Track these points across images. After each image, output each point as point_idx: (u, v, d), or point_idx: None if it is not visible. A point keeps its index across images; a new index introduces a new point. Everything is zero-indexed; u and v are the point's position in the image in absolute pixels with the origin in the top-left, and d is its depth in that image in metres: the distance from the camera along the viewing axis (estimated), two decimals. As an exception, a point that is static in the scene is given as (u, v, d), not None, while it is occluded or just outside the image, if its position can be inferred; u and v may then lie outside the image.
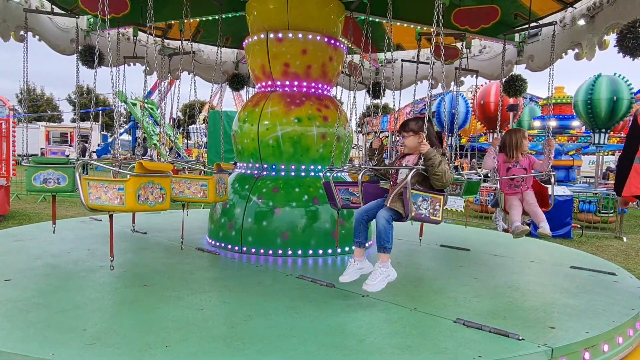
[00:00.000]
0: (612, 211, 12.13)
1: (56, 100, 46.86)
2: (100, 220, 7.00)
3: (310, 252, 5.09)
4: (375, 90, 9.10)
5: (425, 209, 3.31)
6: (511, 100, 15.14)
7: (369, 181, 4.84)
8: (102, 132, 26.88)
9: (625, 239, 11.23)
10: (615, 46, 4.68)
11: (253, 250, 5.11)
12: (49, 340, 2.65)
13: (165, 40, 8.81)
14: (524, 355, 2.63)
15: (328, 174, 4.63)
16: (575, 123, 16.46)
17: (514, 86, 7.45)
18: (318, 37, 5.43)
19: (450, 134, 19.43)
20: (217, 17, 7.04)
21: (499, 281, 4.27)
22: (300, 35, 5.37)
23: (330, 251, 5.16)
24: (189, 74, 9.08)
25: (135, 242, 5.55)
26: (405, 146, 3.60)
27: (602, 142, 14.04)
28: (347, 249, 5.25)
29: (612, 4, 5.46)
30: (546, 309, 3.44)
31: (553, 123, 16.14)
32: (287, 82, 5.55)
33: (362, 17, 7.58)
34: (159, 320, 3.03)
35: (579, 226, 11.44)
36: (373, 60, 9.12)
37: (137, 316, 3.10)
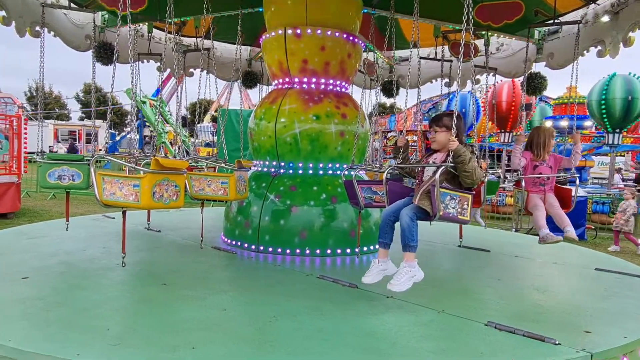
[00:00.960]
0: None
1: (64, 99, 47.06)
2: (113, 218, 6.94)
3: (329, 251, 5.00)
4: (388, 89, 9.00)
5: (453, 208, 3.21)
6: (524, 100, 14.98)
7: (392, 179, 4.77)
8: (110, 130, 26.91)
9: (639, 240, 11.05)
10: (644, 43, 4.55)
11: (270, 249, 5.03)
12: (71, 340, 2.58)
13: (173, 37, 8.76)
14: (563, 361, 2.54)
15: (350, 172, 4.55)
16: (588, 123, 16.27)
17: (534, 84, 7.32)
18: (337, 33, 5.34)
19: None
20: (232, 14, 6.99)
21: (524, 283, 4.16)
22: (319, 32, 5.28)
23: (348, 251, 5.07)
24: (202, 71, 9.05)
25: (150, 241, 5.49)
26: (435, 141, 3.48)
27: (616, 142, 13.85)
28: (365, 248, 5.15)
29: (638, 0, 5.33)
30: (578, 313, 3.33)
31: (565, 123, 15.95)
32: (305, 79, 5.47)
33: (380, 14, 7.51)
34: (182, 320, 2.95)
35: (593, 227, 11.29)
36: (388, 57, 9.02)
37: (159, 316, 3.02)
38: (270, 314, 3.11)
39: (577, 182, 4.65)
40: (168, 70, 9.14)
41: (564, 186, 4.80)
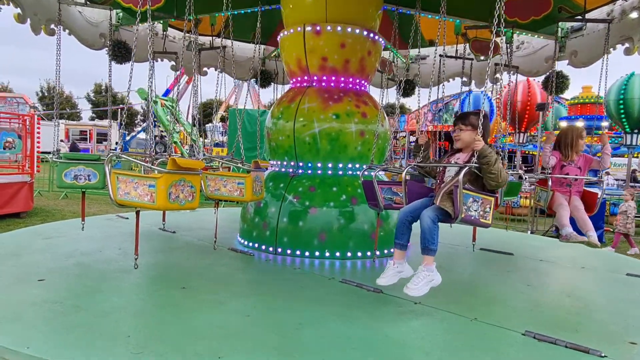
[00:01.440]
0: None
1: (75, 99, 47.34)
2: (127, 218, 6.86)
3: (349, 254, 4.87)
4: (406, 88, 8.85)
5: (475, 210, 3.06)
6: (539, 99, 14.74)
7: (411, 179, 4.62)
8: (121, 130, 26.97)
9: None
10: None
11: (288, 251, 4.91)
12: (93, 347, 2.47)
13: (192, 36, 8.69)
14: (610, 375, 2.39)
15: (369, 172, 4.41)
16: (604, 124, 15.97)
17: (555, 83, 7.13)
18: (357, 30, 5.21)
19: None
20: (247, 12, 6.89)
21: (556, 289, 4.01)
22: (339, 28, 5.15)
23: (369, 254, 4.93)
24: (215, 70, 8.94)
25: (166, 242, 5.39)
26: (459, 140, 3.34)
27: (634, 143, 13.57)
28: (385, 251, 5.02)
29: (672, -5, 5.13)
30: (617, 321, 3.17)
31: (580, 123, 15.67)
32: (324, 77, 5.34)
33: (398, 12, 7.36)
34: (205, 327, 2.84)
35: (611, 230, 11.04)
36: (404, 56, 8.86)
37: (181, 322, 2.91)
38: (296, 321, 2.99)
39: (604, 185, 4.48)
40: (178, 70, 9.08)
41: (590, 189, 4.63)
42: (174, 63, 8.71)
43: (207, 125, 37.07)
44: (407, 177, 3.63)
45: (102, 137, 30.81)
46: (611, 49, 6.38)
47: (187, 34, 8.84)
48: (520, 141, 15.45)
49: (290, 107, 5.28)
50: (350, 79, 5.40)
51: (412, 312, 3.25)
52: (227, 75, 8.59)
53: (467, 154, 3.31)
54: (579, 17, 5.47)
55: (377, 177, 4.99)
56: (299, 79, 5.54)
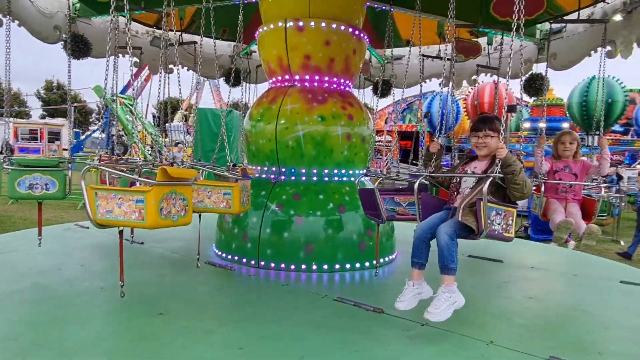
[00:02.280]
0: (605, 214, 12.03)
1: (24, 96, 44.64)
2: (87, 228, 6.28)
3: (337, 266, 4.55)
4: (383, 88, 8.63)
5: (499, 224, 2.81)
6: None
7: (405, 188, 4.35)
8: (74, 129, 25.52)
9: (622, 242, 11.12)
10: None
11: (272, 264, 4.53)
12: (60, 403, 2.03)
13: (157, 31, 8.13)
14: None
15: (364, 179, 4.12)
16: (565, 125, 16.43)
17: (534, 85, 7.08)
18: (342, 27, 4.89)
19: (440, 135, 19.10)
20: (221, 5, 6.45)
21: (560, 302, 3.84)
22: (323, 25, 4.82)
23: (358, 265, 4.64)
24: (182, 67, 8.40)
25: (135, 255, 4.89)
26: (485, 147, 3.07)
27: (595, 144, 13.97)
28: (375, 262, 4.72)
29: (656, -1, 5.10)
30: (637, 339, 3.00)
31: (542, 124, 16.05)
32: (307, 77, 4.99)
33: (377, 11, 7.10)
34: (194, 365, 2.44)
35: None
36: (381, 56, 8.64)
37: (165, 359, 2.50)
38: (297, 353, 2.64)
39: (602, 192, 4.36)
40: (141, 67, 8.50)
41: (588, 197, 4.51)
42: (137, 59, 8.14)
43: (168, 125, 35.83)
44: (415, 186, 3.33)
45: (54, 136, 29.11)
46: (592, 52, 6.37)
47: (150, 29, 8.28)
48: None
49: (271, 108, 4.90)
50: (335, 79, 5.08)
51: (422, 335, 2.96)
52: (188, 73, 8.11)
53: (485, 162, 3.06)
54: (568, 17, 5.35)
55: (362, 184, 4.71)
56: (280, 78, 5.16)
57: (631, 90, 15.97)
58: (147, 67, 8.95)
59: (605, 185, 4.35)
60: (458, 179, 3.17)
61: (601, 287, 4.36)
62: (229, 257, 4.83)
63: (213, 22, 5.47)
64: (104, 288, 3.75)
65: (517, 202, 3.04)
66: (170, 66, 8.30)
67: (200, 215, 4.03)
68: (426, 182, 3.40)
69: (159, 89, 5.93)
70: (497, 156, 2.83)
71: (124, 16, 6.62)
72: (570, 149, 4.35)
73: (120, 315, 3.17)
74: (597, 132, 14.02)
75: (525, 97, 7.65)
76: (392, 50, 7.50)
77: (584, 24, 6.13)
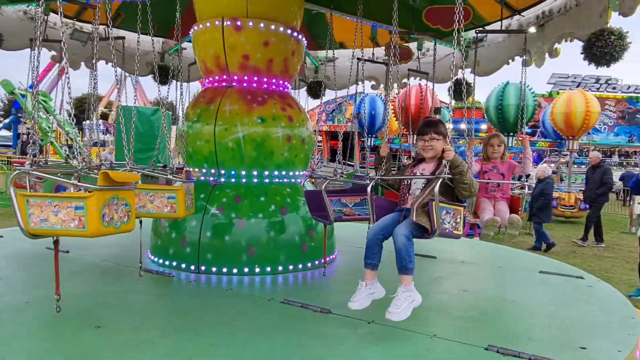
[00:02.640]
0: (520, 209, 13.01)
1: None
2: (1, 237, 5.75)
3: (280, 268, 4.54)
4: (315, 90, 8.73)
5: (449, 222, 2.96)
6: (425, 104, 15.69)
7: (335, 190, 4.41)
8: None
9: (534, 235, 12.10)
10: (581, 53, 4.76)
11: (214, 269, 4.42)
12: None
13: (77, 23, 7.61)
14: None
15: (307, 181, 4.14)
16: (484, 126, 17.60)
17: (460, 90, 7.50)
18: (281, 28, 4.88)
19: (369, 135, 19.61)
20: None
21: (491, 293, 4.12)
22: (262, 25, 4.78)
23: (300, 266, 4.65)
24: (106, 63, 7.94)
25: (61, 266, 4.48)
26: (432, 149, 3.20)
27: (510, 145, 15.10)
28: (316, 262, 4.77)
29: (564, 14, 5.60)
30: (559, 325, 3.30)
31: (463, 126, 17.04)
32: (246, 77, 4.92)
33: (312, 13, 7.15)
34: (142, 380, 2.33)
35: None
36: (314, 58, 8.72)
37: (108, 377, 2.36)
38: (250, 359, 2.60)
39: (526, 190, 4.73)
40: (60, 62, 7.93)
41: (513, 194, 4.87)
42: (54, 53, 7.58)
43: (86, 123, 33.59)
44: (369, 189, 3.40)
45: None
46: (510, 60, 6.89)
47: (70, 21, 7.73)
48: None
49: (209, 108, 4.77)
50: (274, 80, 5.06)
51: (370, 333, 3.05)
52: (107, 69, 7.68)
53: (433, 164, 3.20)
54: (492, 28, 5.74)
55: (304, 187, 4.75)
56: (217, 77, 5.04)
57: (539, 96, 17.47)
58: (49, 62, 8.40)
59: (527, 184, 4.74)
60: (408, 181, 3.28)
61: (524, 277, 4.73)
62: (167, 262, 4.65)
63: (139, 15, 5.19)
64: (30, 303, 3.46)
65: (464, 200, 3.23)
66: (93, 61, 7.83)
67: (141, 221, 3.84)
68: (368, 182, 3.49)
69: (67, 85, 5.54)
70: (445, 158, 2.98)
71: (36, 7, 6.14)
72: (499, 151, 4.67)
73: (52, 331, 2.94)
74: (513, 134, 15.22)
75: (449, 100, 8.11)
76: (333, 52, 7.54)
77: (503, 35, 6.62)
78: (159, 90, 5.01)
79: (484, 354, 2.75)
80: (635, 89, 36.06)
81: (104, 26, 6.91)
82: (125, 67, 7.84)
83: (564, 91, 23.43)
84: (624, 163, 35.08)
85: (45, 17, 6.31)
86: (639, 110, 34.97)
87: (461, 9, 3.25)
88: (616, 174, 29.05)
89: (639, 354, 3.10)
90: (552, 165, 29.01)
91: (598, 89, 34.54)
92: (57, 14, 6.75)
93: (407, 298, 2.88)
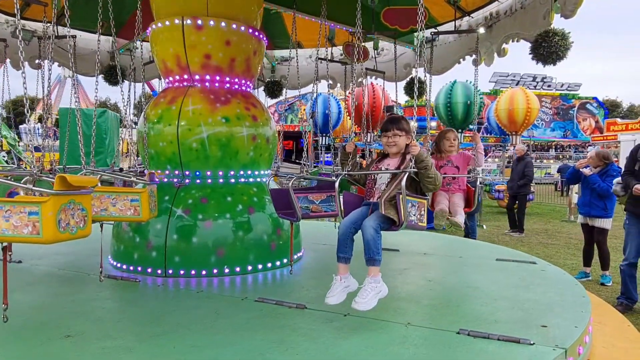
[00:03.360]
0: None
1: None
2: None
3: (250, 268, 4.54)
4: (273, 89, 8.74)
5: (414, 215, 3.10)
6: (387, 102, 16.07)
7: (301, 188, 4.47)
8: None
9: (484, 226, 12.70)
10: (529, 54, 5.06)
11: (182, 272, 4.36)
12: None
13: (20, 21, 7.22)
14: (545, 362, 2.60)
15: (285, 181, 4.16)
16: (434, 123, 18.21)
17: (414, 88, 7.76)
18: (242, 28, 4.87)
19: (323, 134, 19.78)
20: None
21: (454, 281, 4.31)
22: (223, 24, 4.75)
23: (270, 265, 4.67)
24: (54, 63, 7.58)
25: (15, 276, 4.29)
26: (394, 145, 3.33)
27: (460, 140, 15.74)
28: (285, 260, 4.80)
29: (510, 16, 5.93)
30: (521, 307, 3.52)
31: (414, 124, 17.52)
32: (208, 77, 4.87)
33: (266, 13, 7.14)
34: (125, 385, 2.28)
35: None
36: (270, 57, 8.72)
37: (88, 385, 2.30)
38: (232, 357, 2.61)
39: (478, 182, 4.98)
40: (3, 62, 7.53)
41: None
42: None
43: (22, 127, 31.64)
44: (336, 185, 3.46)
45: None
46: (461, 60, 7.19)
47: (12, 18, 7.33)
48: (369, 140, 16.65)
49: (171, 109, 4.69)
50: (237, 80, 5.04)
51: (347, 325, 3.13)
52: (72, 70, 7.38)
53: (397, 159, 3.32)
54: (444, 29, 5.98)
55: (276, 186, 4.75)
56: (178, 77, 4.96)
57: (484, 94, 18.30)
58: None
59: (480, 176, 4.98)
60: (374, 176, 3.39)
61: (483, 265, 4.99)
62: (131, 268, 4.52)
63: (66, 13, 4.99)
64: (6, 320, 3.27)
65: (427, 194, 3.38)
66: (37, 61, 7.45)
67: (102, 225, 3.72)
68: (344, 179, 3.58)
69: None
70: (411, 152, 3.11)
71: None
72: (454, 145, 4.89)
73: (20, 344, 2.80)
74: (462, 130, 15.85)
75: (406, 98, 8.36)
76: (297, 52, 7.54)
77: (454, 35, 6.92)
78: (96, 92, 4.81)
79: (456, 337, 2.90)
80: (569, 87, 38.58)
81: (49, 24, 6.62)
82: (75, 67, 7.53)
83: (506, 89, 24.73)
84: (560, 156, 37.46)
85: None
86: (572, 106, 37.43)
87: (423, 10, 3.38)
88: (554, 167, 31.02)
89: (591, 329, 3.38)
90: (497, 159, 30.49)
91: (535, 86, 36.64)
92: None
93: (374, 289, 2.99)
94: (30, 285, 4.05)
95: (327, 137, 20.05)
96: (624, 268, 5.33)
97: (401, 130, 3.30)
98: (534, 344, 2.77)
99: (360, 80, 8.48)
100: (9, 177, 3.68)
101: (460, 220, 4.49)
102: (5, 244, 2.73)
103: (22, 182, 3.21)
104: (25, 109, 3.35)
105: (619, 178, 5.63)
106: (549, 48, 4.85)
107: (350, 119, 17.31)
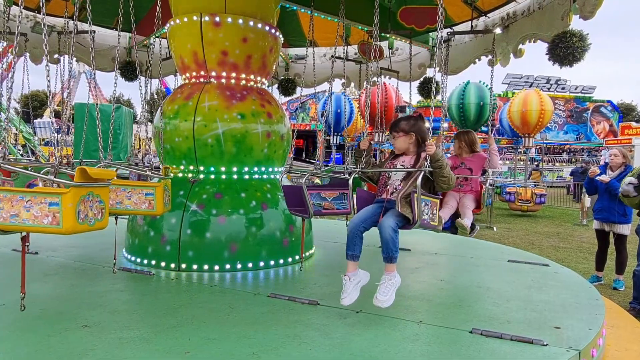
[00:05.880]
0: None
1: None
2: (-38, 239, 5.46)
3: (262, 264, 4.57)
4: (286, 87, 8.77)
5: (427, 214, 3.12)
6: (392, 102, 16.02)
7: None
8: None
9: (495, 228, 12.62)
10: (546, 54, 5.03)
11: (195, 266, 4.40)
12: None
13: (39, 16, 7.31)
14: (558, 363, 2.60)
15: (285, 176, 4.18)
16: (445, 125, 18.12)
17: (427, 88, 7.77)
18: (260, 25, 4.90)
19: (336, 133, 19.76)
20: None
21: (466, 281, 4.30)
22: (240, 21, 4.78)
23: (282, 262, 4.70)
24: (72, 58, 7.69)
25: (32, 267, 4.36)
26: (395, 147, 3.38)
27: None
28: (297, 257, 4.83)
29: (528, 16, 5.89)
30: (534, 308, 3.51)
31: (429, 124, 17.43)
32: (224, 73, 4.91)
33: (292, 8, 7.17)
34: (143, 375, 2.32)
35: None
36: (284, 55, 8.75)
37: (107, 373, 2.34)
38: (248, 350, 2.64)
39: (487, 184, 4.96)
40: (22, 55, 7.64)
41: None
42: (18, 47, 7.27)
43: (37, 121, 32.11)
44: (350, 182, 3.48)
45: None
46: (477, 60, 7.15)
47: (32, 13, 7.43)
48: (380, 140, 16.60)
49: (187, 104, 4.74)
50: (252, 77, 5.07)
51: (359, 322, 3.14)
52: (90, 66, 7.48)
53: (412, 157, 3.34)
54: (462, 29, 5.96)
55: (289, 182, 4.77)
56: (195, 74, 5.00)
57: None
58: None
59: (491, 178, 4.96)
60: (388, 174, 3.41)
61: (495, 266, 4.97)
62: (145, 261, 4.58)
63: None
64: (6, 305, 3.34)
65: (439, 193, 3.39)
66: (56, 56, 7.55)
67: (116, 218, 3.78)
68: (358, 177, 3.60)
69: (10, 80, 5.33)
70: (427, 152, 3.12)
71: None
72: (463, 147, 4.89)
73: (39, 332, 2.85)
74: (474, 131, 15.74)
75: (420, 98, 8.34)
76: (313, 50, 7.55)
77: (469, 35, 6.89)
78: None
79: (469, 336, 2.91)
80: (583, 90, 38.12)
81: (70, 19, 6.71)
82: (93, 62, 7.64)
83: (519, 91, 24.52)
84: (572, 160, 37.04)
85: (8, 8, 6.03)
86: (586, 109, 37.00)
87: (442, 10, 3.38)
88: (566, 170, 30.69)
89: (605, 332, 3.36)
90: (508, 162, 30.26)
91: (549, 89, 36.24)
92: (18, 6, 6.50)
93: (393, 284, 3.04)
94: (46, 276, 4.12)
95: (339, 136, 20.05)
96: (637, 273, 5.28)
97: (398, 132, 3.34)
98: (547, 345, 2.76)
99: (374, 79, 8.49)
100: (30, 169, 3.74)
101: (467, 223, 4.48)
102: (24, 233, 2.78)
103: (42, 173, 3.27)
104: (48, 103, 3.39)
105: (630, 177, 5.22)
106: (566, 49, 4.81)
107: (362, 118, 17.29)
